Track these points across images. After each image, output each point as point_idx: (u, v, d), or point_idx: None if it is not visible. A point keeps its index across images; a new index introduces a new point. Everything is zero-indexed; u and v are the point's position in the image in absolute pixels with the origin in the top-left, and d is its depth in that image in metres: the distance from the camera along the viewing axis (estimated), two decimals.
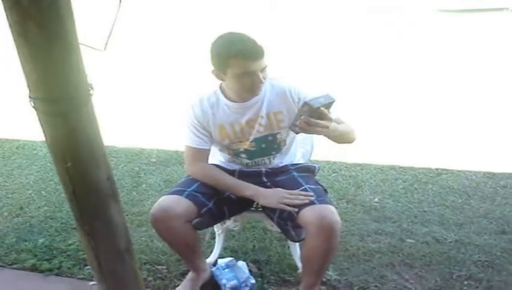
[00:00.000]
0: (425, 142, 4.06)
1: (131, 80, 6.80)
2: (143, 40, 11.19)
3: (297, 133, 1.82)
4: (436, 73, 6.97)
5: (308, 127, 1.74)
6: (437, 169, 3.48)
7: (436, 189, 3.18)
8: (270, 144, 2.08)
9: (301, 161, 2.27)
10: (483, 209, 2.91)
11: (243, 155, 2.11)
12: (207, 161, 2.09)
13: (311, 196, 1.88)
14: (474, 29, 11.27)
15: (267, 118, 2.01)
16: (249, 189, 2.00)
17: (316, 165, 2.24)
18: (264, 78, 1.90)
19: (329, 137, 1.92)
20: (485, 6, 14.15)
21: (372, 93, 5.87)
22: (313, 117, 1.72)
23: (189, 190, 1.99)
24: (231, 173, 2.09)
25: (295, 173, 2.12)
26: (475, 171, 3.44)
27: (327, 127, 1.75)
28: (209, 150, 2.08)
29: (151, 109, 5.36)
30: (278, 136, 2.07)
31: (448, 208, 2.93)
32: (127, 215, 2.83)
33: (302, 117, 1.72)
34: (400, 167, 3.52)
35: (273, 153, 2.12)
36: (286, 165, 2.17)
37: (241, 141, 2.06)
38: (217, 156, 2.21)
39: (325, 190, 2.04)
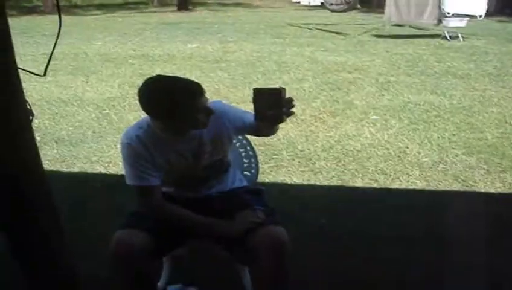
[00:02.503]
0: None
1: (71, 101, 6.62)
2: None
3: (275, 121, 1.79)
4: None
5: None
6: (381, 189, 3.58)
7: (383, 208, 3.27)
8: (218, 169, 2.11)
9: (247, 184, 2.30)
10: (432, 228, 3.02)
11: (192, 183, 2.11)
12: (161, 197, 2.02)
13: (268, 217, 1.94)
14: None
15: (210, 145, 2.02)
16: (219, 226, 1.98)
17: (263, 188, 2.28)
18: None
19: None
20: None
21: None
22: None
23: (144, 221, 1.96)
24: (182, 202, 2.07)
25: (244, 196, 2.14)
26: (419, 189, 3.57)
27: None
28: (160, 186, 2.02)
29: (93, 129, 5.18)
30: (224, 159, 2.11)
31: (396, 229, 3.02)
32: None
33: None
34: (345, 188, 3.59)
35: (222, 175, 2.15)
36: (235, 189, 2.19)
37: (188, 172, 2.05)
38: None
39: (274, 211, 2.07)
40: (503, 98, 6.14)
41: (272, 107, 1.72)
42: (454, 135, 4.73)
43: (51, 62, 1.81)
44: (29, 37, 12.00)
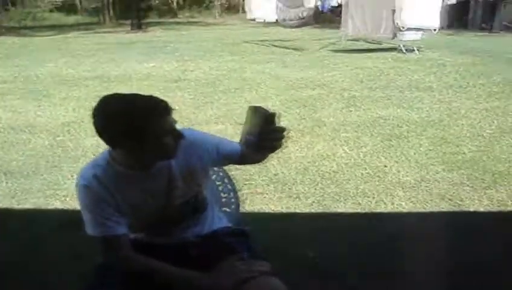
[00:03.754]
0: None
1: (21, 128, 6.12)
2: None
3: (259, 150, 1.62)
4: None
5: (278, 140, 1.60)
6: (366, 213, 3.32)
7: (371, 234, 3.01)
8: (193, 206, 1.78)
9: (227, 223, 1.97)
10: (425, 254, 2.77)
11: (165, 226, 1.78)
12: (129, 248, 1.66)
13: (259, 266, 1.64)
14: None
15: (182, 180, 1.70)
16: (201, 280, 1.62)
17: (247, 228, 1.96)
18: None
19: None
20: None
21: None
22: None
23: (111, 277, 1.63)
24: (154, 250, 1.73)
25: (227, 239, 1.83)
26: (406, 212, 3.34)
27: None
28: (127, 234, 1.67)
29: (46, 158, 4.69)
30: (199, 195, 1.79)
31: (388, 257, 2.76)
32: None
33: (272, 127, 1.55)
34: (327, 214, 3.32)
35: (198, 215, 1.82)
36: (216, 231, 1.87)
37: (159, 214, 1.72)
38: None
39: (264, 257, 1.76)
40: (469, 110, 6.07)
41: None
42: (430, 150, 4.57)
43: None
44: None
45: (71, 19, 30.43)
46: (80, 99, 6.76)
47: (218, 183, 2.11)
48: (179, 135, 1.57)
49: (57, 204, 3.49)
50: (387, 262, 2.71)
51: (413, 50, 11.42)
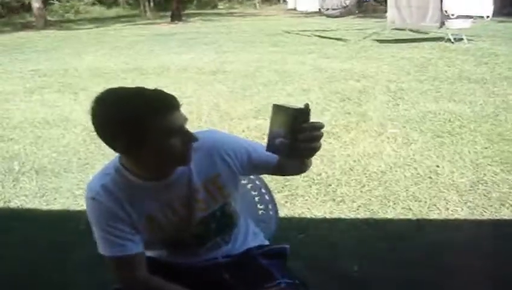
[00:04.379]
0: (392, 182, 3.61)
1: (56, 122, 6.05)
2: None
3: (292, 156, 1.22)
4: None
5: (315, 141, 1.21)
6: (418, 220, 3.02)
7: (425, 247, 2.71)
8: (220, 221, 1.54)
9: (264, 240, 1.74)
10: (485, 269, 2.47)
11: (188, 244, 1.56)
12: (145, 269, 1.46)
13: None
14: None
15: (204, 190, 1.47)
16: None
17: (286, 246, 1.71)
18: None
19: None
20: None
21: None
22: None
23: None
24: (173, 272, 1.51)
25: (263, 261, 1.59)
26: (463, 219, 3.01)
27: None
28: (143, 252, 1.47)
29: (79, 155, 4.52)
30: (227, 207, 1.54)
31: (447, 274, 2.46)
32: None
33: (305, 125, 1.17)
34: (375, 220, 3.04)
35: (228, 230, 1.59)
36: (250, 250, 1.63)
37: (180, 230, 1.50)
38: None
39: (304, 284, 1.52)
40: None
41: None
42: (486, 148, 4.19)
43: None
44: (20, 53, 11.52)
45: (112, 12, 30.83)
46: None
47: (253, 193, 1.87)
48: (189, 137, 1.33)
49: (85, 205, 3.32)
50: (441, 275, 2.42)
51: (462, 39, 10.83)
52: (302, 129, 1.15)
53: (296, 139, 1.15)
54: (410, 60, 8.80)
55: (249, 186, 1.86)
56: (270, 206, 1.88)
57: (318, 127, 1.19)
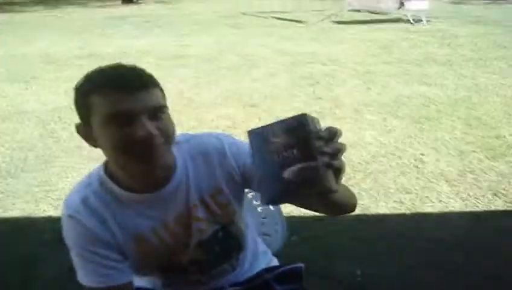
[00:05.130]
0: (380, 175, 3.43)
1: (7, 115, 5.58)
2: None
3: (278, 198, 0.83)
4: None
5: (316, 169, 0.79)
6: (412, 215, 2.86)
7: (426, 245, 2.54)
8: (224, 243, 1.29)
9: (272, 258, 1.50)
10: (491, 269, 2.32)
11: (188, 271, 1.29)
12: None
13: None
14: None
15: (203, 207, 1.20)
16: None
17: (301, 265, 1.47)
18: (167, 134, 1.07)
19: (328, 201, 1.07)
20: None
21: None
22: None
23: None
24: None
25: (278, 287, 1.36)
26: (458, 211, 2.87)
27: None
28: (131, 282, 1.20)
29: (36, 151, 4.10)
30: (232, 227, 1.28)
31: (450, 274, 2.30)
32: None
33: (294, 152, 0.79)
34: (372, 216, 2.85)
35: (234, 254, 1.33)
36: (260, 274, 1.39)
37: (176, 253, 1.24)
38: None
39: None
40: (498, 85, 5.58)
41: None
42: (466, 134, 4.09)
43: None
44: None
45: None
46: (73, 81, 6.09)
47: (256, 203, 1.62)
48: (143, 130, 1.01)
49: (49, 211, 2.98)
50: (445, 275, 2.27)
51: (421, 20, 10.83)
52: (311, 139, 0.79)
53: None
54: (373, 41, 8.68)
55: (249, 195, 1.61)
56: (277, 217, 1.64)
57: (334, 133, 0.82)
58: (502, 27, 10.02)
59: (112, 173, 1.14)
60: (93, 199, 1.13)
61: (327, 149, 0.80)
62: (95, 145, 1.09)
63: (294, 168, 0.78)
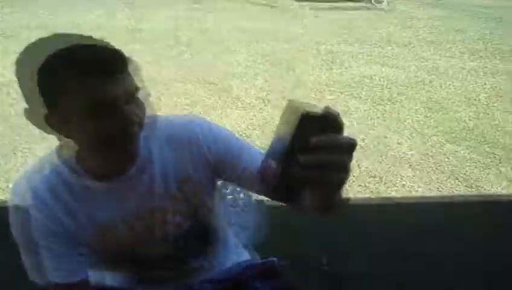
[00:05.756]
0: None
1: None
2: None
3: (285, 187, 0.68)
4: None
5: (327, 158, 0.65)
6: (378, 199, 2.80)
7: (394, 231, 2.49)
8: (197, 237, 1.17)
9: (244, 252, 1.39)
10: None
11: (160, 265, 1.17)
12: None
13: None
14: None
15: (176, 196, 1.09)
16: None
17: (273, 259, 1.36)
18: (141, 118, 0.95)
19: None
20: None
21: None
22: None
23: None
24: None
25: (259, 284, 1.25)
26: (421, 196, 2.84)
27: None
28: (87, 278, 1.07)
29: None
30: (205, 219, 1.16)
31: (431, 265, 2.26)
32: None
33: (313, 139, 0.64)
34: None
35: (209, 248, 1.22)
36: (242, 271, 1.29)
37: (140, 246, 1.11)
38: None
39: None
40: (457, 70, 5.62)
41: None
42: (427, 117, 4.08)
43: None
44: None
45: None
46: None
47: (225, 191, 1.50)
48: (125, 120, 0.90)
49: None
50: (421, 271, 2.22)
51: (383, 1, 10.84)
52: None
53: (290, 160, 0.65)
54: (334, 21, 8.61)
55: (228, 186, 1.48)
56: (257, 208, 1.52)
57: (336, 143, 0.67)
58: (461, 11, 10.15)
59: (68, 159, 1.01)
60: (42, 188, 0.99)
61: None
62: (67, 136, 0.93)
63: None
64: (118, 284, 1.20)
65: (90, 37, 0.92)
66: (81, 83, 0.86)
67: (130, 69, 0.94)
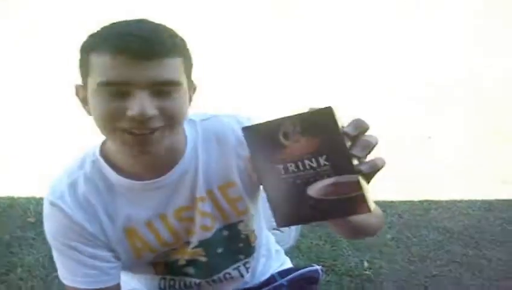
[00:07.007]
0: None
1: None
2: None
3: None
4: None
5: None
6: (421, 202, 2.71)
7: (434, 236, 2.39)
8: (230, 244, 1.10)
9: (285, 259, 1.32)
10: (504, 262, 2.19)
11: (188, 271, 1.10)
12: None
13: None
14: None
15: (211, 200, 1.02)
16: None
17: (318, 268, 1.27)
18: (172, 116, 0.85)
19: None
20: None
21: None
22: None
23: None
24: None
25: None
26: (467, 200, 2.72)
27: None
28: (119, 284, 1.04)
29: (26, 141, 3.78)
30: (241, 226, 1.09)
31: (463, 266, 2.16)
32: None
33: (320, 160, 0.61)
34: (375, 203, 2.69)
35: (241, 257, 1.14)
36: (272, 277, 1.23)
37: (174, 249, 1.05)
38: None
39: None
40: None
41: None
42: None
43: None
44: None
45: None
46: None
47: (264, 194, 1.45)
48: (171, 109, 0.85)
49: None
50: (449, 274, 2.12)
51: None
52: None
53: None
54: None
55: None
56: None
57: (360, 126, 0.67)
58: None
59: (108, 155, 0.97)
60: (83, 185, 0.96)
61: (357, 151, 0.64)
62: (90, 113, 0.89)
63: (323, 184, 0.60)
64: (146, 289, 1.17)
65: (147, 21, 0.86)
66: (97, 56, 0.82)
67: (178, 59, 0.85)
